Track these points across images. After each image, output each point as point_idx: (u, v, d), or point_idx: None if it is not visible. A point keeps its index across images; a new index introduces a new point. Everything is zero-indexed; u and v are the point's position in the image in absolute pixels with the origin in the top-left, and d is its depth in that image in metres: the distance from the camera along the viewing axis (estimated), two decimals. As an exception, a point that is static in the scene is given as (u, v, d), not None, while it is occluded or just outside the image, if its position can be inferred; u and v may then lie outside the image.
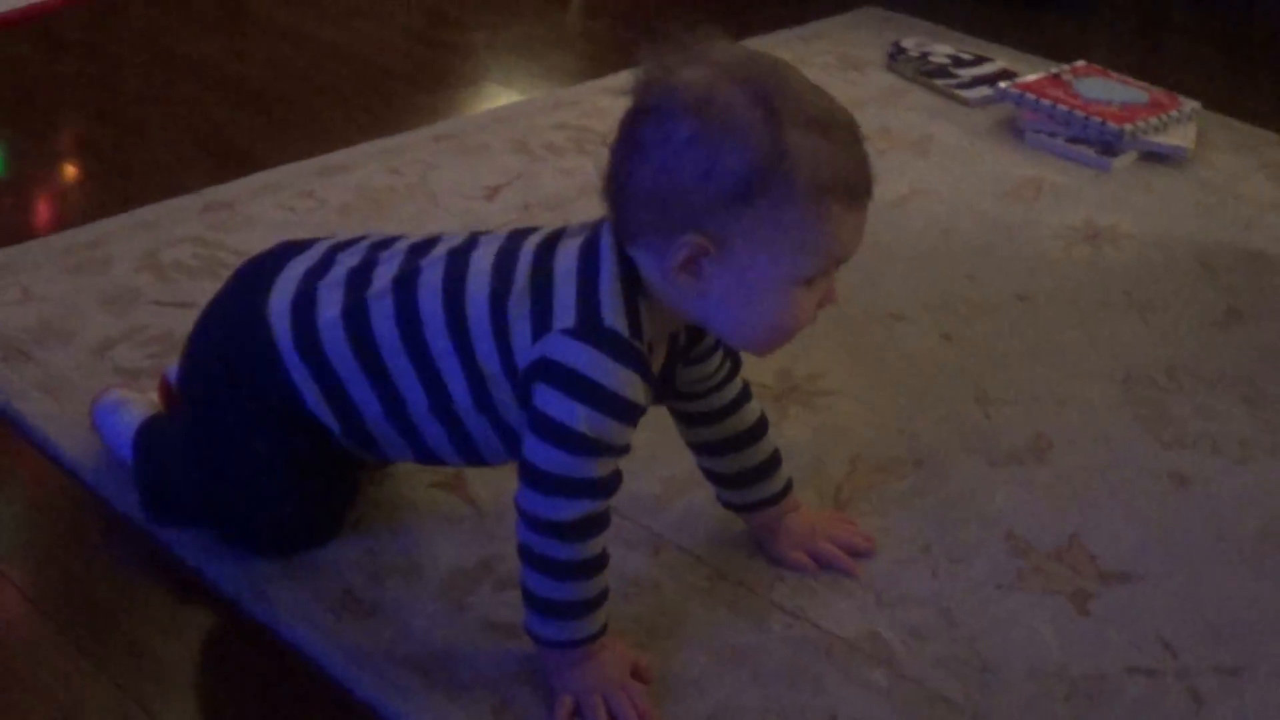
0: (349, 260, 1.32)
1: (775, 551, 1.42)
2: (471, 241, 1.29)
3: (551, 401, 1.18)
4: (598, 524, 1.20)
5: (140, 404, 1.50)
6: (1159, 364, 1.78)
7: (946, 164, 2.28)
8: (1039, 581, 1.42)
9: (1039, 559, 1.45)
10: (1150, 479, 1.58)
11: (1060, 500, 1.53)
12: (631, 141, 1.15)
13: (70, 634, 1.30)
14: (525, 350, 1.20)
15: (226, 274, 1.43)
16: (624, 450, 1.20)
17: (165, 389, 1.50)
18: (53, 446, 1.52)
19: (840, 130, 1.14)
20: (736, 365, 1.37)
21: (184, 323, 1.69)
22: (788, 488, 1.42)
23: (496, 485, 1.47)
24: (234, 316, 1.36)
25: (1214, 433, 1.66)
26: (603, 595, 1.23)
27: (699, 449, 1.41)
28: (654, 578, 1.39)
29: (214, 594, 1.35)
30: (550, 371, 1.18)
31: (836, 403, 1.67)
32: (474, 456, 1.32)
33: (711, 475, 1.42)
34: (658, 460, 1.50)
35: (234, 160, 2.16)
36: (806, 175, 1.11)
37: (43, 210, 2.09)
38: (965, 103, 2.49)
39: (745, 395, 1.39)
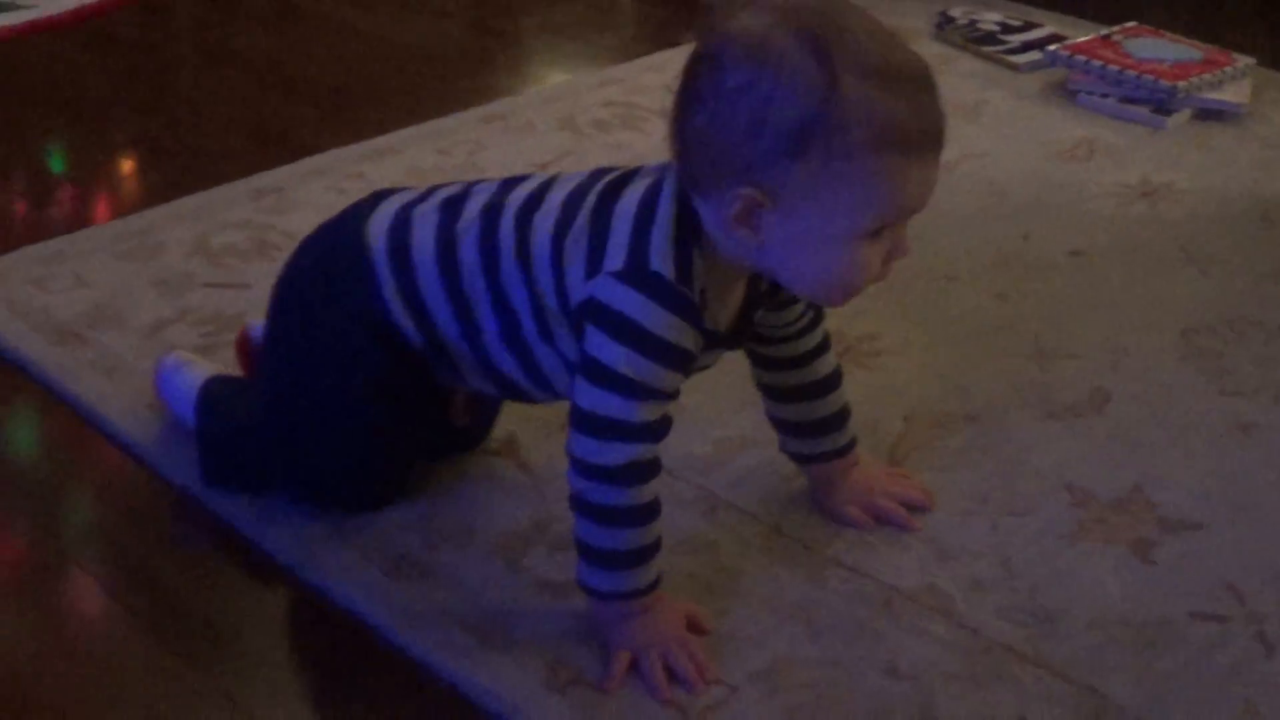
0: (445, 192, 1.33)
1: (832, 506, 1.40)
2: (554, 178, 1.29)
3: (597, 344, 1.17)
4: (646, 469, 1.19)
5: (203, 365, 1.51)
6: (1218, 316, 1.75)
7: (998, 128, 2.26)
8: (1101, 532, 1.40)
9: (1100, 509, 1.42)
10: (1212, 428, 1.55)
11: (1120, 451, 1.51)
12: (689, 88, 1.13)
13: (147, 620, 1.30)
14: (578, 288, 1.19)
15: (278, 255, 1.43)
16: (671, 396, 1.19)
17: (244, 345, 1.51)
18: (110, 426, 1.53)
19: (902, 80, 1.10)
20: (819, 315, 1.35)
21: (236, 304, 1.72)
22: (852, 443, 1.41)
23: (549, 449, 1.47)
24: (331, 241, 1.37)
25: (1276, 382, 1.62)
26: (655, 546, 1.22)
27: (769, 393, 1.39)
28: (710, 536, 1.38)
29: (270, 561, 1.36)
30: (598, 313, 1.17)
31: (890, 362, 1.66)
32: (548, 387, 1.31)
33: (778, 422, 1.40)
34: (710, 422, 1.50)
35: (284, 149, 2.17)
36: (862, 127, 1.08)
37: (97, 202, 2.11)
38: (1015, 68, 2.46)
39: (824, 346, 1.37)
